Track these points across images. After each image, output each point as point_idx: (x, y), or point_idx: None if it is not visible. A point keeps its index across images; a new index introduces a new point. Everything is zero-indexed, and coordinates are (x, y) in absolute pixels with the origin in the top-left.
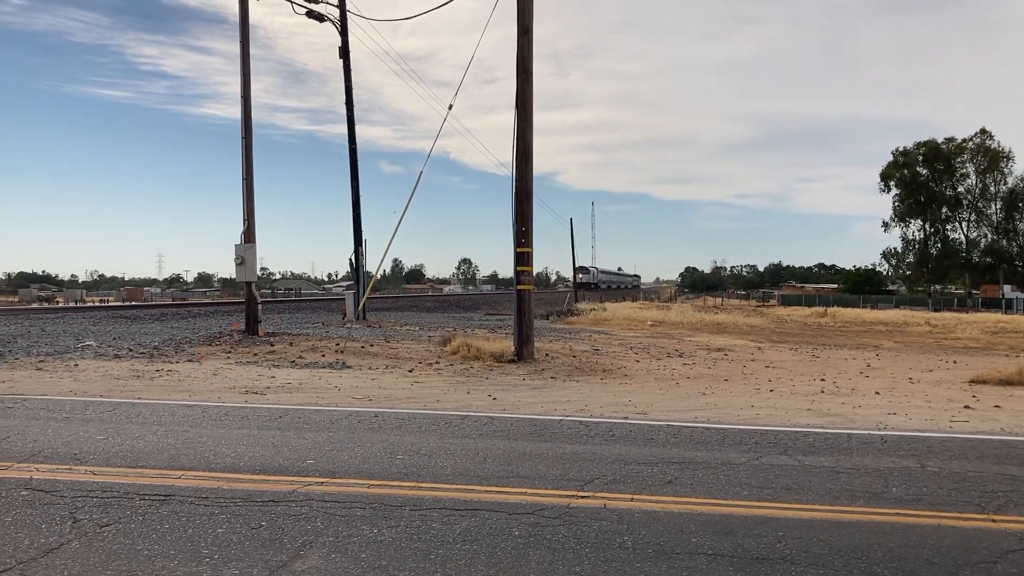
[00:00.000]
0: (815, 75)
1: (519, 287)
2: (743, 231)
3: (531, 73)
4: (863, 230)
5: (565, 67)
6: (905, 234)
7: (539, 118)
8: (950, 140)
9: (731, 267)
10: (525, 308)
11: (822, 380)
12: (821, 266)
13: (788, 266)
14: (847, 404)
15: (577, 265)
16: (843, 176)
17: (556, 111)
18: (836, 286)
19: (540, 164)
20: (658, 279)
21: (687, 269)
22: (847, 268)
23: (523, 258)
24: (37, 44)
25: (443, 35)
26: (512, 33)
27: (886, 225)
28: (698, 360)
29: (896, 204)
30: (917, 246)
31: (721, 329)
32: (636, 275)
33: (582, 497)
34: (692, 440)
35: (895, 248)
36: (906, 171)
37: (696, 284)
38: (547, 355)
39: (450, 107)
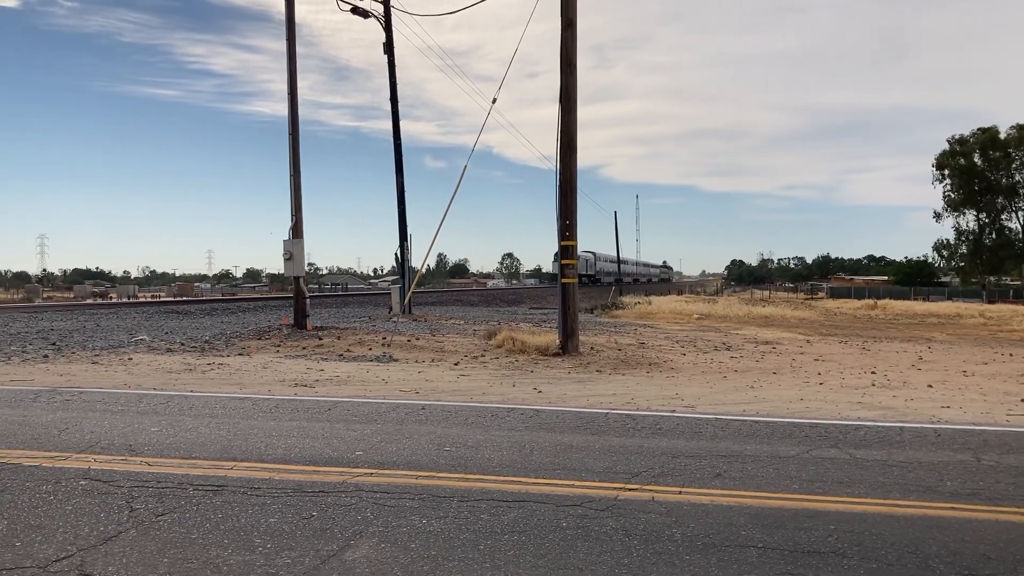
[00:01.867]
0: (866, 64)
1: (563, 280)
2: (791, 223)
3: (575, 66)
4: (914, 221)
5: (609, 60)
6: (958, 224)
7: (583, 111)
8: (1021, 128)
9: (778, 259)
10: (569, 301)
11: (873, 373)
12: (871, 258)
13: (837, 258)
14: (899, 397)
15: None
16: (894, 166)
17: (600, 104)
18: (886, 278)
19: (584, 157)
20: (704, 272)
21: (733, 262)
22: (898, 260)
23: (567, 251)
24: (90, 46)
25: (486, 29)
26: (555, 27)
27: (938, 216)
28: (746, 353)
29: (948, 194)
30: (971, 237)
31: (769, 322)
32: (665, 266)
33: (630, 490)
34: (741, 433)
35: (947, 239)
36: (962, 160)
37: (743, 277)
38: (592, 348)
39: (494, 101)
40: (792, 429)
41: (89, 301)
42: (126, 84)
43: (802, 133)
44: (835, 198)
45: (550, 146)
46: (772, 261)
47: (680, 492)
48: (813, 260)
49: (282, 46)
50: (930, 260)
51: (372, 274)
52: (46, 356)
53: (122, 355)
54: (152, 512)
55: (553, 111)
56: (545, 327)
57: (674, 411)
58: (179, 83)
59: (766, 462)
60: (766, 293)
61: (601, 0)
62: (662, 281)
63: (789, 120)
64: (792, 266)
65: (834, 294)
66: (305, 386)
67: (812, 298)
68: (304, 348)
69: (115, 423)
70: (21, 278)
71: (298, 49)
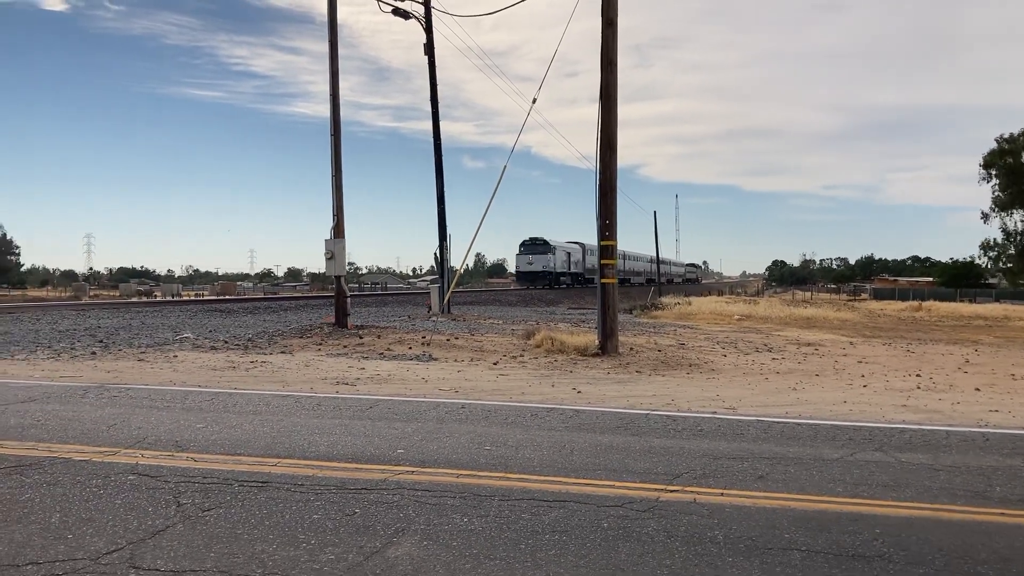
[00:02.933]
0: (910, 62)
1: (603, 280)
2: (833, 223)
3: (615, 64)
4: (960, 221)
5: (648, 58)
6: (1006, 225)
7: (622, 110)
8: None
9: (820, 260)
10: (609, 301)
11: (918, 376)
12: (915, 259)
13: (880, 259)
14: (945, 400)
15: (529, 238)
16: (939, 166)
17: (639, 103)
18: (931, 280)
19: (623, 156)
20: (745, 272)
21: (775, 262)
22: (943, 261)
23: (607, 251)
24: (135, 48)
25: (525, 29)
26: (594, 25)
27: (985, 216)
28: (787, 355)
29: (996, 193)
30: (1019, 237)
31: (811, 323)
32: (693, 265)
33: (671, 491)
34: (783, 435)
35: (995, 239)
36: (1010, 159)
37: (784, 278)
38: (631, 349)
39: (534, 101)
40: (835, 432)
41: (134, 299)
42: (170, 86)
43: (844, 132)
44: (878, 198)
45: (589, 145)
46: (814, 262)
47: (722, 494)
48: (856, 261)
49: (323, 47)
50: (977, 261)
51: (411, 273)
52: (94, 353)
53: (167, 352)
54: (199, 507)
55: (592, 110)
56: (584, 327)
57: (715, 412)
58: (222, 84)
59: (809, 465)
60: (808, 294)
61: None
62: (687, 282)
63: (830, 119)
64: (834, 267)
65: (877, 295)
66: (347, 384)
67: (855, 299)
68: (345, 347)
69: (161, 419)
70: (69, 276)
71: (339, 50)
